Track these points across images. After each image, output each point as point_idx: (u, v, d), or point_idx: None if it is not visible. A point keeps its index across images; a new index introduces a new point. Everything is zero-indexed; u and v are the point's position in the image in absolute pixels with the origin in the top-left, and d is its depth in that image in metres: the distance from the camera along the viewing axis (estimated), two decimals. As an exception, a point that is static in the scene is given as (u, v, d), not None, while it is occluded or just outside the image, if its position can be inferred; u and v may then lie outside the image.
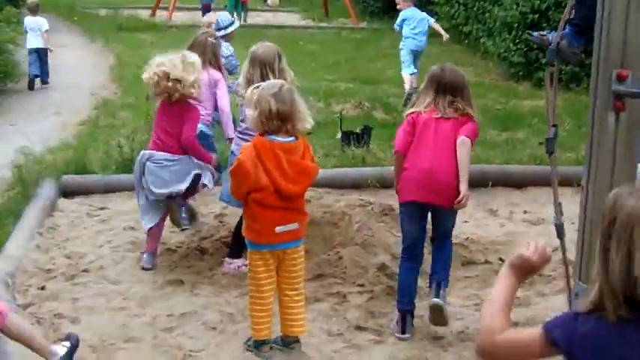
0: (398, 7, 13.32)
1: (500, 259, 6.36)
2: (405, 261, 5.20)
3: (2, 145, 10.40)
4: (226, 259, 6.12)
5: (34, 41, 14.46)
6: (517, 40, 15.41)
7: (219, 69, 7.08)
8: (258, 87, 4.72)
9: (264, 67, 5.70)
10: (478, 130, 5.22)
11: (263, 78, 5.50)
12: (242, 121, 5.93)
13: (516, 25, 15.46)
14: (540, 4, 14.78)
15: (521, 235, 7.02)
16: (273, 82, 4.88)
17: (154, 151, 6.11)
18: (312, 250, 6.03)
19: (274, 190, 4.61)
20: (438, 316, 5.06)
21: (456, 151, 4.99)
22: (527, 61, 14.91)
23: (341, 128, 9.92)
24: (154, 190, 6.06)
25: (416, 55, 12.94)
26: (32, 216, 7.01)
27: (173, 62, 6.00)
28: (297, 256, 4.81)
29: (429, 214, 5.20)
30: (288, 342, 4.89)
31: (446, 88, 5.11)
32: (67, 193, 7.96)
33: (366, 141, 9.52)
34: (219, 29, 8.62)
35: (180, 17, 22.84)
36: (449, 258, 5.38)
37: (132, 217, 7.26)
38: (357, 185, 8.20)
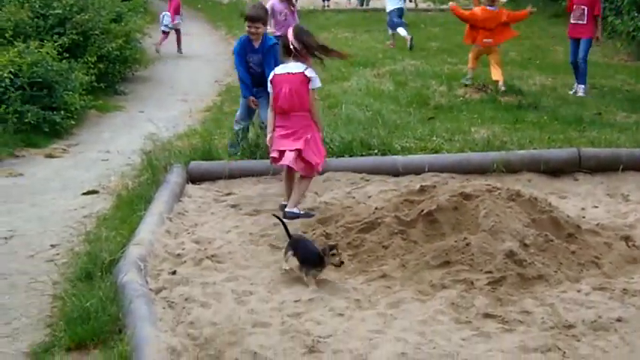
0: None
1: (634, 246, 6.15)
2: None
3: (132, 132, 10.75)
4: None
5: None
6: (647, 19, 14.88)
7: None
8: None
9: None
10: None
11: None
12: None
13: (646, 2, 14.92)
14: (672, -19, 14.22)
15: (653, 220, 6.78)
16: None
17: None
18: (438, 237, 5.97)
19: None
20: None
21: None
22: (658, 39, 14.34)
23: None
24: None
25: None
26: (162, 201, 7.17)
27: None
28: None
29: None
30: None
31: None
32: (194, 178, 8.13)
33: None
34: None
35: (299, 3, 22.97)
36: None
37: (257, 202, 7.36)
38: (482, 170, 8.09)
